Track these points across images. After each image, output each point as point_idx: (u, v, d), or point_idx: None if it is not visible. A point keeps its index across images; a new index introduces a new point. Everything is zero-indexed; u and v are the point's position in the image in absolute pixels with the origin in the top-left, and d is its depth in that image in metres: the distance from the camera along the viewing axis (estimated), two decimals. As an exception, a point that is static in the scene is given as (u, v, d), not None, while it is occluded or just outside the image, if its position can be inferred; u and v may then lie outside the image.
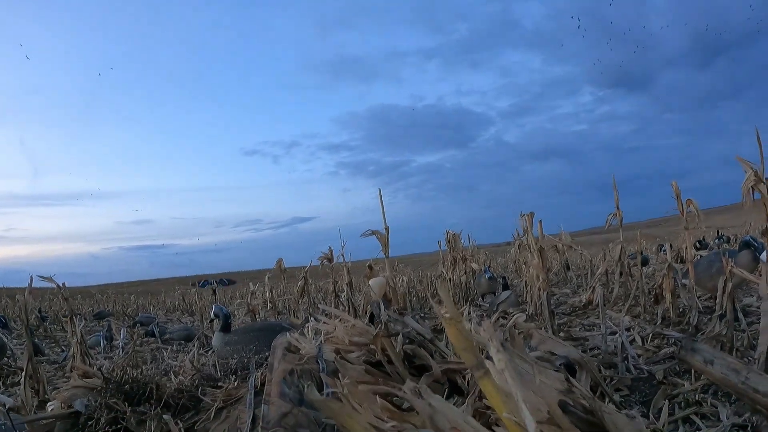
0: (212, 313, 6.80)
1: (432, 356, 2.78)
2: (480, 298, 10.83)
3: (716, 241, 21.51)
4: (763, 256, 5.21)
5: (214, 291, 17.62)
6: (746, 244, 5.98)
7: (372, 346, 2.77)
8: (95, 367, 5.32)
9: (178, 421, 3.34)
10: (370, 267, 7.97)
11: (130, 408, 3.01)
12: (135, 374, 3.55)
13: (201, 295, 18.99)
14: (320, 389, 2.44)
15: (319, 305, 4.70)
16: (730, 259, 4.91)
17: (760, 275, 4.10)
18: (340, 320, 3.11)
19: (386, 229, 7.14)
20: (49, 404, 3.13)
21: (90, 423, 2.88)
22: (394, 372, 2.67)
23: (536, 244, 6.08)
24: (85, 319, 17.50)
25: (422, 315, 10.39)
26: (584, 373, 2.97)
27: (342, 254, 8.55)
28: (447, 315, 1.55)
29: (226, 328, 6.41)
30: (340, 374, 2.60)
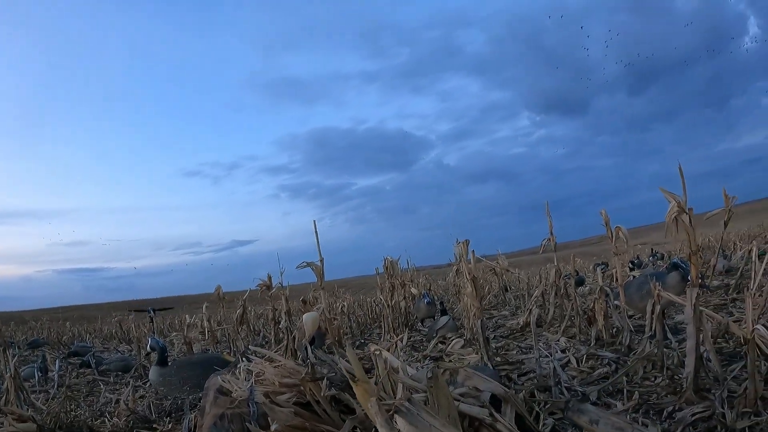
0: (148, 346, 6.69)
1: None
2: (419, 323, 10.84)
3: (651, 258, 22.03)
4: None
5: (152, 319, 17.25)
6: (675, 266, 6.12)
7: (302, 388, 2.73)
8: (29, 410, 5.13)
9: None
10: (304, 301, 7.92)
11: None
12: (69, 419, 3.43)
13: (138, 323, 18.54)
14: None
15: (250, 347, 4.61)
16: (658, 283, 5.04)
17: (686, 297, 4.23)
18: (270, 361, 3.07)
19: (321, 260, 7.10)
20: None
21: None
22: (323, 413, 2.64)
23: (469, 273, 6.11)
24: (19, 347, 16.91)
25: (363, 341, 10.35)
26: (509, 407, 2.98)
27: (281, 281, 8.47)
28: (357, 379, 1.52)
29: (162, 361, 6.28)
30: (269, 418, 2.56)
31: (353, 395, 2.70)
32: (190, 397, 5.19)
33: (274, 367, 3.01)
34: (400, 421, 1.69)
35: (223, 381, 2.85)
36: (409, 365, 3.52)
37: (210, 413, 2.52)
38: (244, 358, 3.51)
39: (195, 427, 2.79)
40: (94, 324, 31.20)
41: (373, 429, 2.47)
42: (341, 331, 7.33)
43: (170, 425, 3.59)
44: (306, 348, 4.91)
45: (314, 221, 7.08)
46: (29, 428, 3.36)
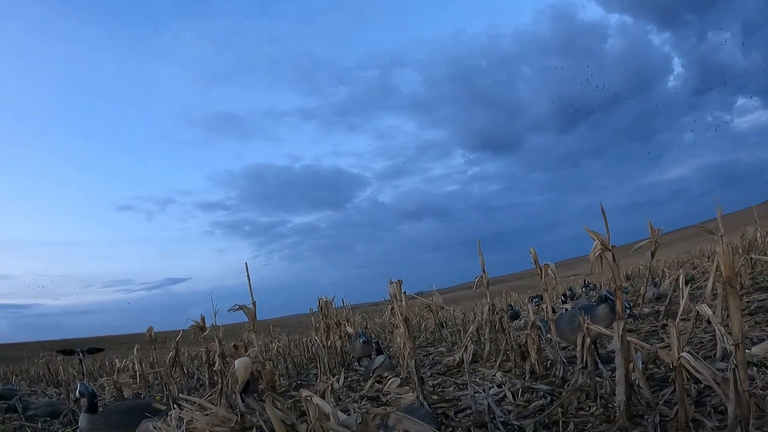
0: (77, 392, 6.47)
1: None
2: (356, 363, 10.79)
3: (583, 289, 22.44)
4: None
5: (81, 361, 16.68)
6: (604, 299, 6.27)
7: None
8: None
9: None
10: (236, 346, 7.80)
11: None
12: None
13: (67, 365, 17.89)
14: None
15: (180, 395, 4.52)
16: (586, 317, 5.17)
17: (614, 330, 4.35)
18: (201, 408, 3.02)
19: (253, 303, 7.03)
20: None
21: None
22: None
23: (401, 314, 6.13)
24: None
25: (299, 382, 10.24)
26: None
27: (214, 322, 8.33)
28: None
29: (92, 408, 6.11)
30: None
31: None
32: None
33: (205, 414, 2.96)
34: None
35: (154, 429, 2.77)
36: (346, 407, 3.51)
37: None
38: (175, 406, 3.43)
39: None
40: (20, 365, 30.05)
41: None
42: (274, 375, 7.22)
43: None
44: (234, 395, 4.85)
45: (246, 263, 7.01)
46: None
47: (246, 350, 7.83)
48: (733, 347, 3.36)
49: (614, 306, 6.09)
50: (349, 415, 3.09)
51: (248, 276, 6.91)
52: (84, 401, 6.35)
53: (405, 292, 6.44)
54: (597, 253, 4.30)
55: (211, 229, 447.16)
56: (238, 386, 6.11)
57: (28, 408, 9.85)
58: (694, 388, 4.43)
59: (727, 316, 3.45)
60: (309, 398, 2.66)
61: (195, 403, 3.31)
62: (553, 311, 7.23)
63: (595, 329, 4.99)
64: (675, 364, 3.68)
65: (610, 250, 4.24)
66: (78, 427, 6.81)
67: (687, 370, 3.75)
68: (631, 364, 4.24)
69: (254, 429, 2.74)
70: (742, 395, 3.27)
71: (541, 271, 6.66)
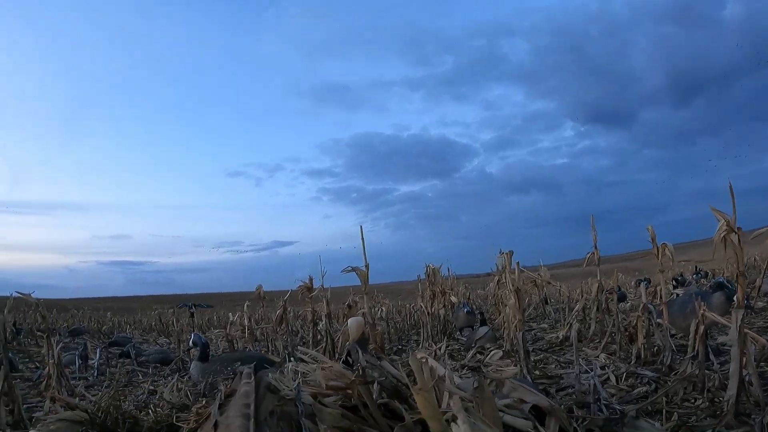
0: (191, 342, 6.78)
1: (407, 400, 2.81)
2: (458, 332, 10.86)
3: (694, 276, 21.69)
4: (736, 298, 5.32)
5: (192, 314, 17.45)
6: (720, 285, 6.09)
7: (349, 391, 2.80)
8: (77, 398, 5.28)
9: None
10: (349, 306, 7.98)
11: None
12: (117, 413, 3.52)
13: (178, 317, 18.77)
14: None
15: (298, 347, 4.69)
16: (703, 303, 5.01)
17: (731, 319, 4.20)
18: (318, 363, 3.14)
19: (366, 266, 7.17)
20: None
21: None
22: (369, 416, 2.70)
23: (513, 284, 6.12)
24: (60, 334, 17.31)
25: (400, 347, 10.41)
26: (552, 420, 3.01)
27: (321, 285, 8.56)
28: (418, 387, 1.58)
29: (204, 357, 6.37)
30: (317, 419, 2.63)
31: (402, 402, 2.77)
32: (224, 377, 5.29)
33: (322, 369, 3.08)
34: (456, 428, 1.74)
35: (271, 379, 2.91)
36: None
37: (262, 407, 2.58)
38: (291, 358, 3.58)
39: (226, 396, 2.85)
40: (134, 316, 31.73)
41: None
42: (383, 336, 7.37)
43: (205, 402, 3.67)
44: (357, 350, 4.94)
45: (361, 226, 7.15)
46: (79, 416, 3.44)
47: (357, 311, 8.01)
48: None
49: (730, 295, 5.91)
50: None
51: (362, 238, 7.05)
52: (196, 351, 6.66)
53: (518, 262, 6.44)
54: (722, 235, 4.15)
55: (318, 195, 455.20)
56: (348, 342, 6.29)
57: (140, 354, 10.52)
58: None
59: None
60: (424, 360, 2.73)
61: (312, 356, 3.44)
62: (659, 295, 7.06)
63: (711, 317, 4.82)
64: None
65: (735, 233, 4.08)
66: (188, 374, 7.14)
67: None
68: (745, 359, 4.11)
69: (375, 384, 2.82)
70: None
71: (658, 250, 6.49)
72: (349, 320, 6.61)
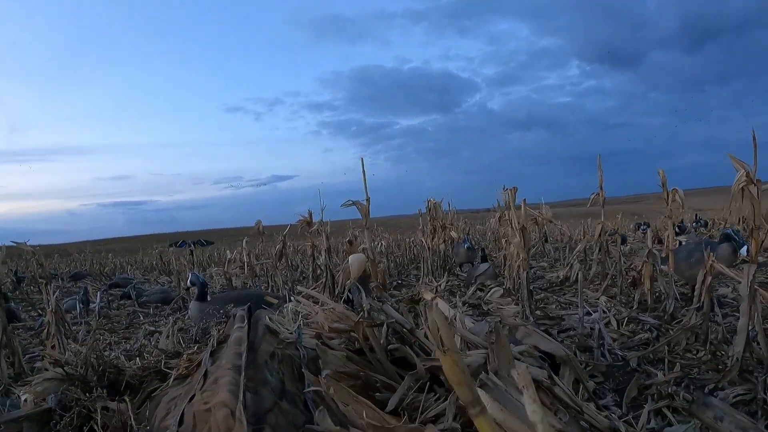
0: (188, 281, 6.75)
1: (412, 346, 2.75)
2: (458, 268, 10.88)
3: (694, 224, 21.70)
4: (743, 250, 5.25)
5: (192, 252, 17.46)
6: (727, 237, 6.02)
7: (353, 333, 2.73)
8: (66, 353, 5.24)
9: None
10: (350, 242, 7.92)
11: (94, 402, 2.90)
12: (100, 364, 3.42)
13: (178, 256, 18.81)
14: (300, 377, 2.40)
15: (297, 287, 4.64)
16: (711, 253, 4.93)
17: (741, 269, 4.14)
18: (320, 304, 3.06)
19: (367, 200, 7.08)
20: (22, 396, 3.01)
21: (62, 420, 2.78)
22: (375, 360, 2.64)
23: (519, 222, 6.04)
24: (62, 279, 17.33)
25: (400, 282, 10.43)
26: (567, 370, 2.96)
27: (321, 219, 8.50)
28: (444, 347, 1.47)
29: (202, 296, 6.34)
30: (321, 361, 2.56)
31: (411, 347, 2.70)
32: (217, 321, 5.26)
33: (324, 310, 3.01)
34: (484, 397, 1.67)
35: (270, 320, 2.83)
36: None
37: (261, 349, 2.51)
38: (291, 299, 3.51)
39: (219, 342, 2.78)
40: (135, 256, 31.85)
41: (426, 383, 2.47)
42: (385, 274, 7.34)
43: (196, 347, 3.61)
44: (359, 290, 4.88)
45: (362, 158, 7.04)
46: (56, 375, 3.35)
47: (358, 246, 7.97)
48: None
49: (737, 247, 5.85)
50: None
51: (363, 172, 6.96)
52: (194, 290, 6.62)
53: (524, 199, 6.35)
54: (741, 185, 4.04)
55: (318, 129, 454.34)
56: (350, 281, 6.25)
57: (141, 295, 10.52)
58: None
59: None
60: (435, 302, 2.65)
61: (313, 297, 3.37)
62: (660, 242, 7.00)
63: (720, 268, 4.75)
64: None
65: (755, 184, 3.97)
66: (187, 313, 7.14)
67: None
68: (754, 315, 4.06)
69: (384, 327, 2.75)
70: None
71: (668, 195, 6.41)
72: (350, 257, 6.56)
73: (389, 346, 2.69)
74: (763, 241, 10.18)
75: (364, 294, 4.41)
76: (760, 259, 9.92)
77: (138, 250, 34.81)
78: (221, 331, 2.89)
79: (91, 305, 9.25)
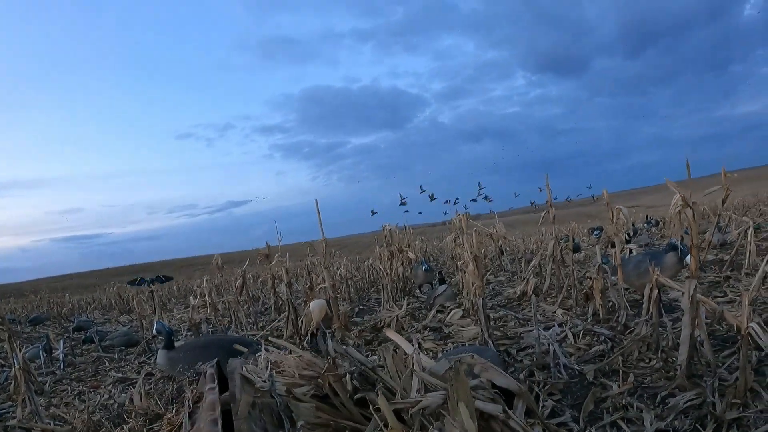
0: (154, 330, 6.71)
1: (375, 384, 2.89)
2: (417, 289, 11.04)
3: (645, 225, 22.19)
4: (687, 258, 5.50)
5: (152, 291, 17.23)
6: (672, 246, 6.27)
7: (320, 380, 2.86)
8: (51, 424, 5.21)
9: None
10: (311, 287, 8.00)
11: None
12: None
13: (137, 293, 18.54)
14: (280, 422, 2.52)
15: (270, 339, 4.72)
16: (657, 267, 5.18)
17: (683, 282, 4.36)
18: (290, 351, 3.18)
19: (324, 240, 7.15)
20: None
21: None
22: (341, 405, 2.77)
23: (471, 251, 6.19)
24: (20, 323, 17.11)
25: (361, 307, 10.53)
26: (521, 402, 3.12)
27: (279, 253, 8.59)
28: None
29: (169, 345, 6.28)
30: (293, 414, 2.68)
31: (373, 388, 2.84)
32: (188, 378, 5.31)
33: (294, 358, 3.13)
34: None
35: (244, 370, 2.93)
36: (409, 337, 3.65)
37: (242, 400, 2.61)
38: (262, 347, 3.61)
39: (194, 402, 2.88)
40: (93, 293, 31.31)
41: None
42: (347, 316, 7.42)
43: (174, 410, 3.69)
44: (324, 336, 5.00)
45: (316, 201, 7.06)
46: None
47: (318, 287, 8.04)
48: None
49: (682, 256, 6.12)
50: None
51: (318, 212, 6.99)
52: (161, 337, 6.60)
53: (476, 229, 6.51)
54: (677, 209, 4.27)
55: (270, 152, 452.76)
56: (313, 325, 6.37)
57: (104, 338, 10.24)
58: (756, 355, 4.45)
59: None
60: (394, 350, 2.79)
61: (283, 346, 3.48)
62: (614, 246, 7.22)
63: (665, 282, 5.00)
64: (743, 333, 3.71)
65: (690, 208, 4.20)
66: (154, 357, 7.10)
67: (752, 338, 3.80)
68: (696, 324, 4.27)
69: (347, 376, 2.88)
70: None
71: (612, 214, 6.65)
72: (312, 304, 6.67)
73: (356, 395, 2.84)
74: (710, 241, 10.52)
75: (329, 341, 4.53)
76: (710, 257, 10.28)
77: (95, 287, 34.26)
78: (194, 392, 2.98)
79: (55, 353, 9.09)
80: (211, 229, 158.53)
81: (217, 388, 2.66)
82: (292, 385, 2.92)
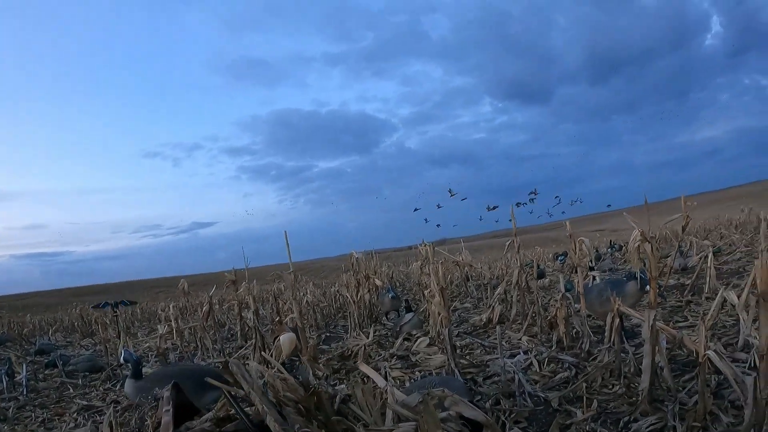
0: (122, 359, 6.62)
1: (347, 417, 2.95)
2: (384, 316, 11.06)
3: (609, 250, 22.50)
4: (647, 286, 5.64)
5: (116, 315, 16.97)
6: (633, 276, 6.40)
7: (300, 406, 2.92)
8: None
9: None
10: (280, 321, 8.00)
11: None
12: None
13: (101, 316, 18.20)
14: None
15: (233, 358, 4.73)
16: (618, 298, 5.31)
17: (643, 311, 4.47)
18: (276, 370, 3.24)
19: (292, 272, 7.18)
20: None
21: None
22: (327, 418, 2.84)
23: (438, 282, 6.24)
24: None
25: (328, 334, 10.53)
26: (489, 433, 3.18)
27: (246, 272, 8.58)
28: None
29: (137, 374, 6.21)
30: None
31: (346, 417, 2.91)
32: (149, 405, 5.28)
33: (279, 379, 3.18)
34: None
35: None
36: (377, 365, 3.71)
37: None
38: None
39: (154, 429, 2.90)
40: (54, 313, 30.70)
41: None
42: (316, 348, 7.42)
43: None
44: (307, 370, 5.05)
45: (285, 231, 7.09)
46: None
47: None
48: (759, 357, 3.49)
49: (643, 284, 6.26)
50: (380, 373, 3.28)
51: (287, 243, 7.02)
52: (128, 365, 6.52)
53: (441, 263, 6.59)
54: (636, 243, 4.39)
55: (237, 173, 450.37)
56: (283, 358, 6.41)
57: (67, 363, 10.03)
58: (714, 378, 4.58)
59: (757, 327, 3.54)
60: (363, 380, 2.85)
61: (273, 366, 3.54)
62: (575, 270, 7.34)
63: (626, 311, 5.12)
64: (701, 360, 3.82)
65: (649, 242, 4.32)
66: (120, 384, 7.00)
67: (711, 364, 3.90)
68: (657, 351, 4.38)
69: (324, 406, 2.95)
70: (759, 402, 3.41)
71: (575, 246, 6.78)
72: (281, 338, 6.71)
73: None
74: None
75: (310, 373, 4.57)
76: (672, 282, 10.48)
77: (56, 307, 33.59)
78: (154, 417, 3.01)
79: (17, 377, 8.89)
80: (175, 250, 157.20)
81: (171, 411, 2.70)
82: (278, 401, 2.98)
